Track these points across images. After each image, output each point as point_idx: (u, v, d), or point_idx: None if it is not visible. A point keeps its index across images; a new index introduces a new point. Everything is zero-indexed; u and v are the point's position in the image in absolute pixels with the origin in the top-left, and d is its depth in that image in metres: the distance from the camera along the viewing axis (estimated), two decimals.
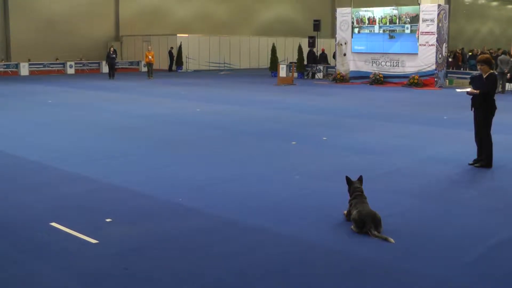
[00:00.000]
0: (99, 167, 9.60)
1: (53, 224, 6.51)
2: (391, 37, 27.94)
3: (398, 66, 27.76)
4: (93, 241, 5.99)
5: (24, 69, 36.08)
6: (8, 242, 6.06)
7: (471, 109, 9.52)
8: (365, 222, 6.16)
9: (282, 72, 30.13)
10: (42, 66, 37.67)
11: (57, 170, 9.35)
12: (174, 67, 40.65)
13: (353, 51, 29.55)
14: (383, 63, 28.34)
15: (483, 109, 9.34)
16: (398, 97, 22.20)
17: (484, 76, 9.33)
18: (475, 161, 9.58)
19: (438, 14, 26.16)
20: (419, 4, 27.85)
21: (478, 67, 9.59)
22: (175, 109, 17.83)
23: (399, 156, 10.58)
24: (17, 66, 36.24)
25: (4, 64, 36.51)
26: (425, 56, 26.67)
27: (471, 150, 9.81)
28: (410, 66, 27.24)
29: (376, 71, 28.37)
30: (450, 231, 6.37)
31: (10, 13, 38.52)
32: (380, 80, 28.02)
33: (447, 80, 27.91)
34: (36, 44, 39.13)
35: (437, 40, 26.24)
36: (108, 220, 6.67)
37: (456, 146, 11.49)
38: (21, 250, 5.82)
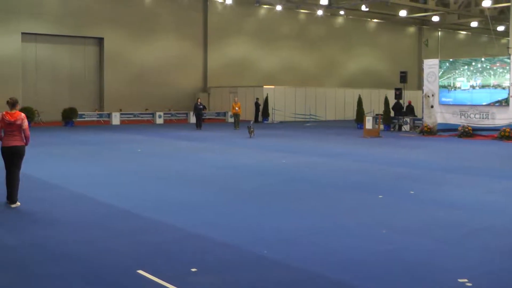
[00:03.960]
0: (184, 216, 9.75)
1: (140, 271, 6.63)
2: (475, 87, 27.35)
3: (488, 118, 26.95)
4: None
5: (116, 119, 37.63)
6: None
7: None
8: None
9: (368, 124, 29.88)
10: (132, 116, 39.20)
11: (144, 218, 9.56)
12: (260, 118, 41.19)
13: (441, 103, 28.99)
14: (471, 115, 27.61)
15: None
16: (488, 151, 21.49)
17: None
18: None
19: None
20: (510, 54, 27.10)
21: None
22: (261, 160, 17.96)
23: (491, 212, 10.16)
24: (109, 115, 37.88)
25: (98, 114, 38.25)
26: None
27: None
28: (501, 119, 26.35)
29: (465, 124, 27.65)
30: None
31: (105, 66, 40.54)
32: (469, 133, 27.24)
33: None
34: (127, 95, 40.94)
35: None
36: (193, 269, 6.73)
37: None
38: None
